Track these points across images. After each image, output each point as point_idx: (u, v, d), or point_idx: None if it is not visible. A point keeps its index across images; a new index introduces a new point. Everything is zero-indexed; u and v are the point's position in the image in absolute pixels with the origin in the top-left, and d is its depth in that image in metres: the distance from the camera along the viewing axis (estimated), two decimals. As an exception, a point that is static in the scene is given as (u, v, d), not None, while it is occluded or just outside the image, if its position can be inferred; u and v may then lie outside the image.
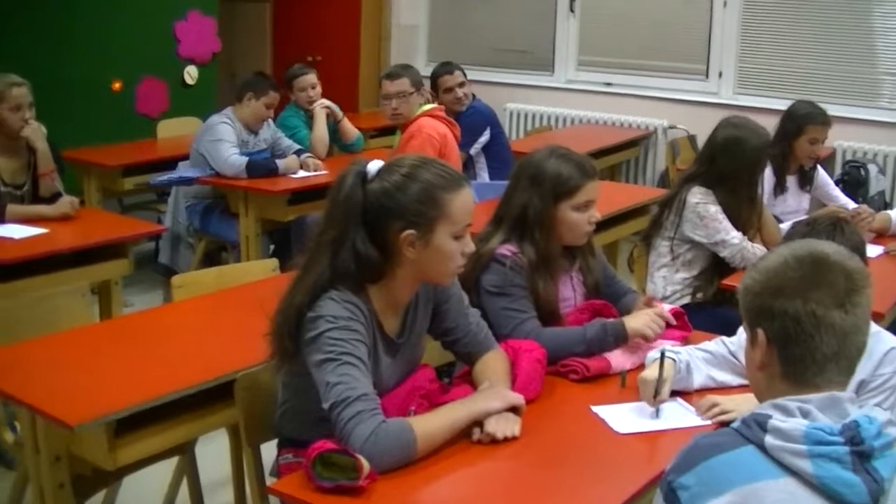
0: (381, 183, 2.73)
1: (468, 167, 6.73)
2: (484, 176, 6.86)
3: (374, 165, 2.77)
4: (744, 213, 4.70)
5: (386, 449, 2.48)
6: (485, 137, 6.92)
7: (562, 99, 9.37)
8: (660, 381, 2.93)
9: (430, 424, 2.61)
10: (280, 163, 6.45)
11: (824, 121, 5.56)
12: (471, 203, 2.80)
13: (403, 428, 2.54)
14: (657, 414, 2.93)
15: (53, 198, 5.32)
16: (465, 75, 7.06)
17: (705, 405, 2.95)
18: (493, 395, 2.78)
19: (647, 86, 8.97)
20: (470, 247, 2.82)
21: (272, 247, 6.71)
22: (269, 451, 3.17)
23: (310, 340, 2.65)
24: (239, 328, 3.62)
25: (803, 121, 5.51)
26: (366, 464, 2.40)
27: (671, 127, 8.75)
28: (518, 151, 7.10)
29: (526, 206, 3.45)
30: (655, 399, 2.94)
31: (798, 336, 1.90)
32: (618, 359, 3.23)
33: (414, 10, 10.30)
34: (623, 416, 2.90)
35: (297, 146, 6.83)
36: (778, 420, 1.84)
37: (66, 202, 5.27)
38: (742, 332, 3.13)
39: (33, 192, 5.35)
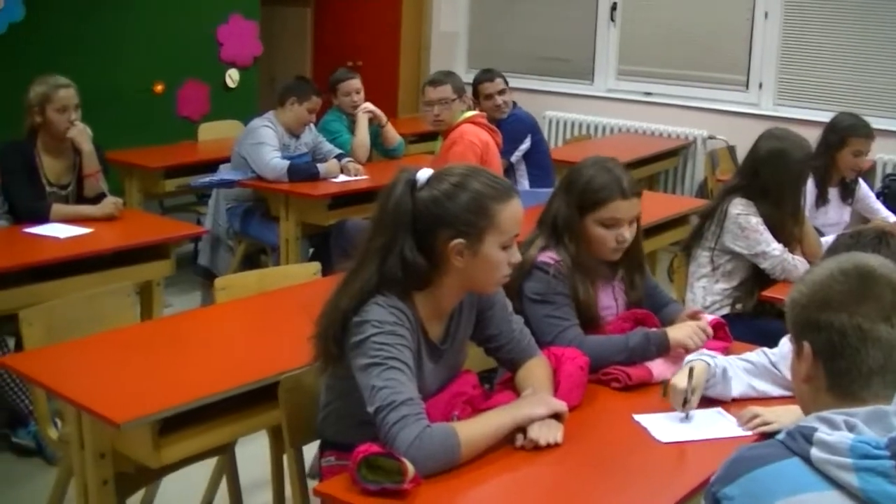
0: (431, 191, 2.75)
1: (509, 175, 6.71)
2: (524, 183, 6.85)
3: (424, 174, 2.79)
4: (787, 225, 4.70)
5: (430, 453, 2.50)
6: (526, 145, 6.91)
7: (601, 108, 9.37)
8: (689, 388, 2.95)
9: (474, 429, 2.63)
10: (321, 167, 6.48)
11: (868, 133, 5.55)
12: (520, 213, 2.81)
13: (448, 433, 2.55)
14: (687, 419, 2.95)
15: (98, 198, 5.36)
16: (506, 83, 7.06)
17: (746, 416, 2.95)
18: (536, 401, 2.79)
19: (687, 96, 8.95)
20: (516, 257, 2.83)
21: (311, 250, 6.74)
22: (307, 453, 3.21)
23: (355, 344, 2.67)
24: (282, 331, 3.66)
25: (847, 133, 5.51)
26: (411, 467, 2.41)
27: (711, 137, 8.73)
28: (557, 160, 7.14)
29: (557, 213, 3.47)
30: (685, 406, 2.96)
31: (844, 349, 1.91)
32: (659, 368, 3.23)
33: (454, 18, 10.32)
34: (665, 425, 2.91)
35: (338, 150, 6.86)
36: (824, 433, 1.84)
37: (110, 203, 5.32)
38: (783, 344, 3.17)
39: (78, 193, 5.41)
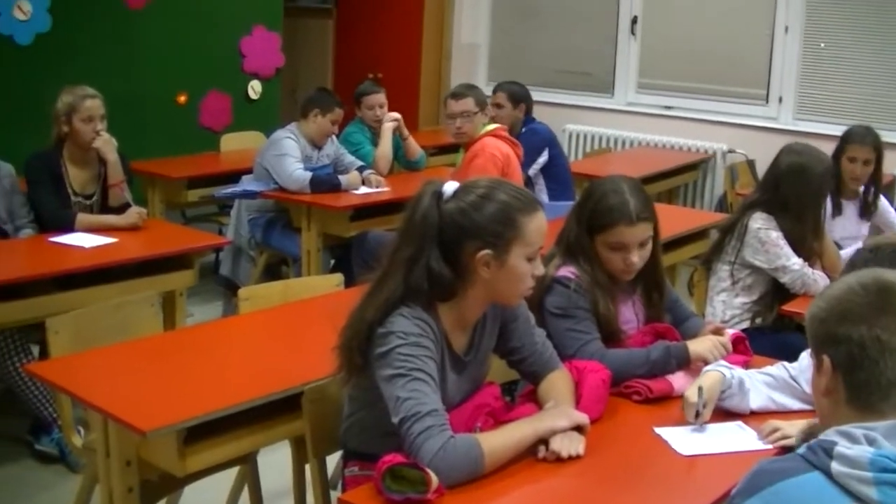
0: (458, 203, 2.77)
1: (527, 188, 6.71)
2: (543, 197, 6.84)
3: (450, 186, 2.81)
4: (807, 239, 4.71)
5: (454, 464, 2.52)
6: (543, 158, 6.93)
7: (621, 121, 9.38)
8: (700, 401, 2.97)
9: (497, 441, 2.65)
10: (343, 179, 6.50)
11: (863, 140, 5.55)
12: (544, 226, 2.83)
13: (471, 444, 2.58)
14: (701, 430, 2.98)
15: (122, 208, 5.40)
16: (516, 101, 7.08)
17: (767, 429, 2.97)
18: (558, 413, 2.81)
19: (707, 109, 8.96)
20: (540, 269, 2.86)
21: (332, 262, 6.76)
22: (329, 463, 3.25)
23: (380, 356, 2.69)
24: (306, 341, 3.70)
25: (845, 139, 5.56)
26: (435, 478, 2.44)
27: (730, 151, 8.73)
28: (577, 173, 7.16)
29: (570, 232, 3.49)
30: (697, 419, 2.98)
31: (863, 362, 1.93)
32: (680, 381, 3.23)
33: (475, 30, 10.36)
34: (685, 438, 2.92)
35: (360, 162, 6.88)
36: (844, 447, 1.86)
37: (135, 213, 5.36)
38: (803, 358, 3.18)
39: (102, 203, 5.46)
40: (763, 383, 3.18)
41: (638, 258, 3.39)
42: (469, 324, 2.91)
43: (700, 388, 2.99)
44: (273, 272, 6.96)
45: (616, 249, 3.38)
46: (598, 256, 3.42)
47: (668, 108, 9.21)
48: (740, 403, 3.12)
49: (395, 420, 2.61)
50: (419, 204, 2.79)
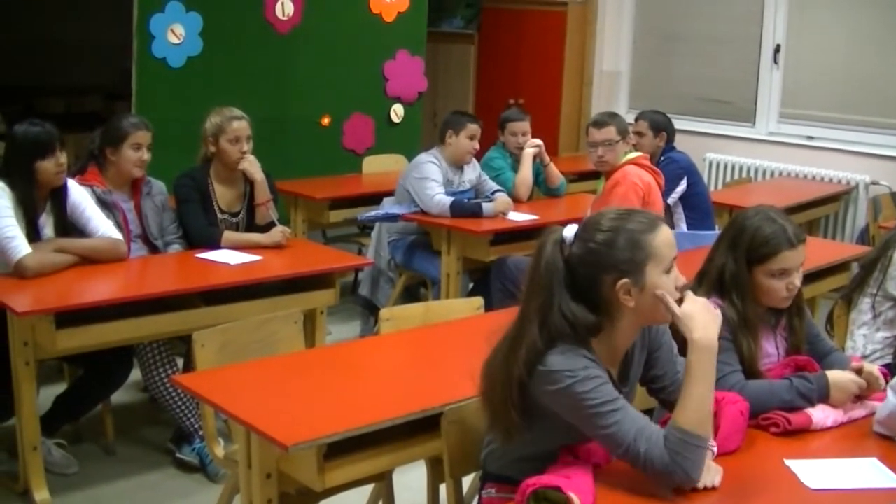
0: (584, 244, 2.79)
1: (666, 216, 6.69)
2: (682, 226, 6.82)
3: (570, 230, 2.83)
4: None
5: (685, 454, 2.63)
6: (682, 187, 6.89)
7: (762, 151, 9.27)
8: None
9: None
10: (486, 206, 6.52)
11: None
12: (671, 236, 2.82)
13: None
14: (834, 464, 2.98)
15: (267, 226, 5.52)
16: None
17: None
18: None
19: (850, 140, 8.81)
20: (681, 279, 2.84)
21: (471, 285, 6.82)
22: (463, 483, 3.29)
23: (555, 393, 2.71)
24: (446, 363, 3.75)
25: None
26: (577, 501, 2.46)
27: (873, 183, 8.57)
28: (717, 202, 7.11)
29: (723, 269, 3.45)
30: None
31: None
32: (819, 414, 3.20)
33: (617, 57, 10.37)
34: (816, 472, 2.88)
35: (499, 188, 6.93)
36: None
37: (279, 232, 5.48)
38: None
39: (248, 221, 5.60)
40: None
41: (799, 281, 3.42)
42: (620, 354, 2.92)
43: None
44: (411, 294, 7.04)
45: (779, 276, 3.39)
46: (756, 290, 3.42)
47: (810, 138, 9.07)
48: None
49: (614, 455, 2.69)
50: (542, 253, 2.80)
